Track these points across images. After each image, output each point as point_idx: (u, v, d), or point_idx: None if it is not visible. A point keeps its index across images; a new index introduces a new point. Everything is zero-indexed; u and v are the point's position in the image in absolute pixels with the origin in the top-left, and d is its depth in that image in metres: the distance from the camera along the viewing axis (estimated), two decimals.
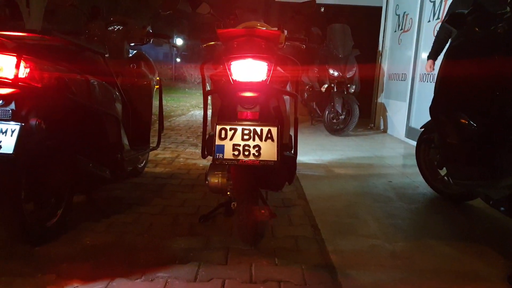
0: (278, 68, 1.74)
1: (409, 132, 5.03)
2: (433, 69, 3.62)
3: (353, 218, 2.27)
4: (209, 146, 1.70)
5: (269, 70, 1.56)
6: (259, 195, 1.85)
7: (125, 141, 2.21)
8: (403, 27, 5.47)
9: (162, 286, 1.49)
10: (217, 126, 1.55)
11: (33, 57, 1.55)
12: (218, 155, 1.52)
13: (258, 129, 1.54)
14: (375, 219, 2.26)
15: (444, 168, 2.54)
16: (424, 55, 4.78)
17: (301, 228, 2.09)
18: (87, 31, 2.47)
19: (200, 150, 1.88)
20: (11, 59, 1.48)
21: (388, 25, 6.01)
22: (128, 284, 1.50)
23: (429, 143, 2.70)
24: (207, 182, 1.84)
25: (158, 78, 2.77)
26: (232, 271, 1.62)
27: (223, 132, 1.54)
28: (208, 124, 1.79)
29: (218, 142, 1.53)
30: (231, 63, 1.56)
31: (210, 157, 1.63)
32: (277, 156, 1.51)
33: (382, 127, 5.99)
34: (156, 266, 1.64)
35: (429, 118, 2.45)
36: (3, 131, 1.48)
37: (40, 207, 1.78)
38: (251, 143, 1.52)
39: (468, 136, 1.95)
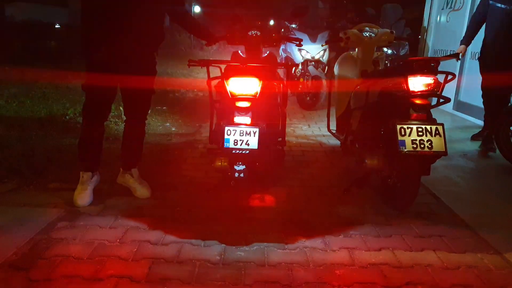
0: None
1: (458, 105, 5.56)
2: (464, 54, 4.11)
3: (457, 187, 2.89)
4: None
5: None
6: None
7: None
8: (452, 6, 5.83)
9: (360, 241, 2.11)
10: (397, 125, 2.10)
11: (260, 78, 2.07)
12: (401, 148, 2.09)
13: (428, 127, 2.10)
14: (474, 188, 2.88)
15: None
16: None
17: (424, 197, 2.69)
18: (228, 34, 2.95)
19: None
20: (255, 81, 2.01)
21: (434, 2, 6.35)
22: (333, 240, 2.12)
23: (509, 124, 3.25)
24: (365, 163, 2.42)
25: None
26: (400, 229, 2.24)
27: (402, 130, 2.10)
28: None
29: (400, 138, 2.09)
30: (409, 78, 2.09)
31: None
32: (445, 147, 2.08)
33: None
34: (346, 226, 2.25)
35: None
36: (248, 132, 2.04)
37: None
38: (424, 138, 2.08)
39: None
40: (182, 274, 1.78)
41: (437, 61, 2.13)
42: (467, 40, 3.95)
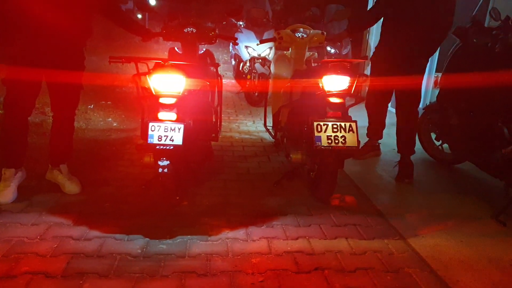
0: None
1: None
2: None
3: (380, 180, 3.11)
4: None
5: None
6: None
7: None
8: None
9: (280, 231, 2.23)
10: (314, 122, 2.24)
11: (188, 76, 2.13)
12: (317, 143, 2.23)
13: (343, 124, 2.25)
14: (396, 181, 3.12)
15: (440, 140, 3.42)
16: None
17: (348, 189, 2.89)
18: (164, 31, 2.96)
19: None
20: (179, 78, 2.06)
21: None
22: (255, 230, 2.23)
23: (429, 122, 3.53)
24: (290, 158, 2.56)
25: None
26: (319, 219, 2.39)
27: (318, 127, 2.24)
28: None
29: (316, 134, 2.23)
30: (324, 77, 2.24)
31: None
32: (357, 143, 2.25)
33: None
34: (270, 217, 2.37)
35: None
36: (173, 129, 2.08)
37: None
38: (339, 134, 2.24)
39: (466, 121, 2.79)
40: (100, 268, 1.80)
41: (350, 62, 2.30)
42: None
